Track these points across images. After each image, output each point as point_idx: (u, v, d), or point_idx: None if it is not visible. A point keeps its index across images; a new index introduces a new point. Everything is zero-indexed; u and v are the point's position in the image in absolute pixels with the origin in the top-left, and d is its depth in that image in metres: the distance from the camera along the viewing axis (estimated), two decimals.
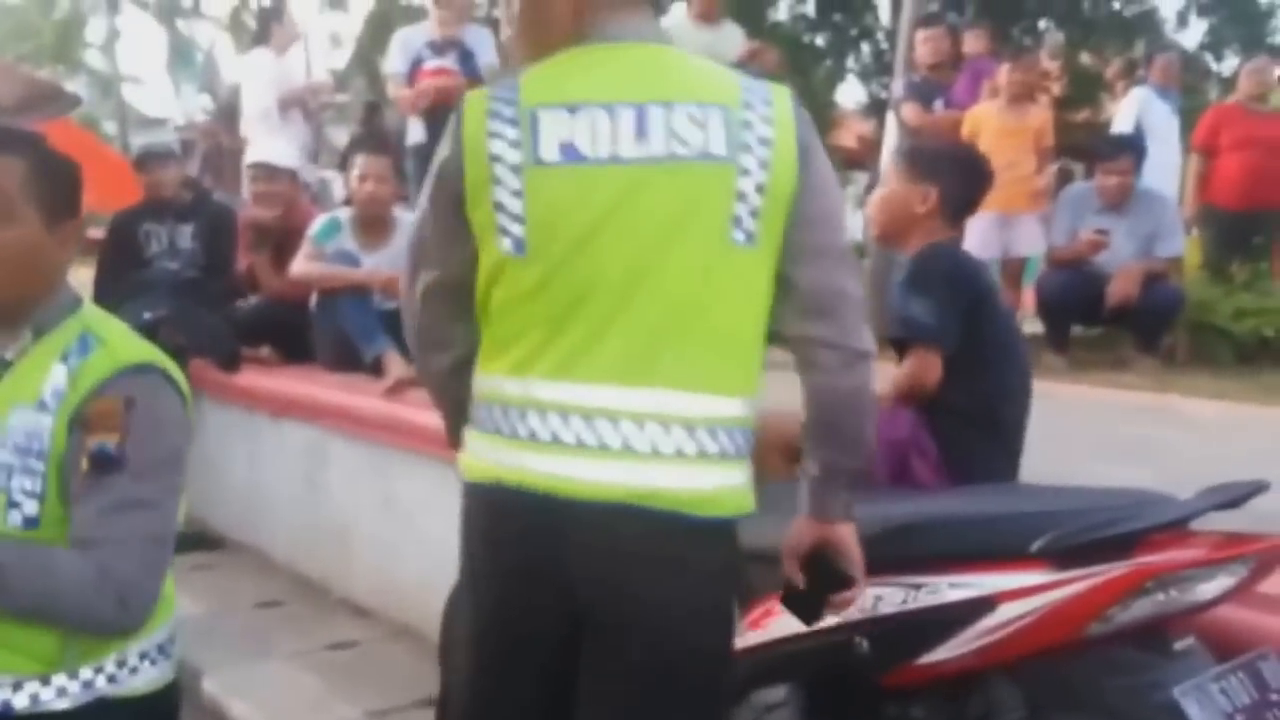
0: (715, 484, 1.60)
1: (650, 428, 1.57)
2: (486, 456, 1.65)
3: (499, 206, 1.59)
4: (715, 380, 1.60)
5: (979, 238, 5.89)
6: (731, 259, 1.60)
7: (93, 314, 1.71)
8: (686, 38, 5.91)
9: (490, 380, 1.66)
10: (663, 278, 1.58)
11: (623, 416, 1.57)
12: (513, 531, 1.63)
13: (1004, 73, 6.08)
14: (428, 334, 1.78)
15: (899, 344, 2.58)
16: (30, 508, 1.56)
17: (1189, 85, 12.60)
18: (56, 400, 1.58)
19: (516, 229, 1.59)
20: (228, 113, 7.80)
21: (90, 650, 1.62)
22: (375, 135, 6.92)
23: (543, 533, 1.59)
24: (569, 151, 1.59)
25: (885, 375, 2.69)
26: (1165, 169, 6.61)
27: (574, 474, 1.57)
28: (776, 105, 1.65)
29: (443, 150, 1.68)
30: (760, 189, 1.60)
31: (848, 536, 1.79)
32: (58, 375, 1.60)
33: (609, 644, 1.61)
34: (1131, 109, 7.09)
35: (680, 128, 1.60)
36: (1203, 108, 8.62)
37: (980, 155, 2.94)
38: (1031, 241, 5.87)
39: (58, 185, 1.66)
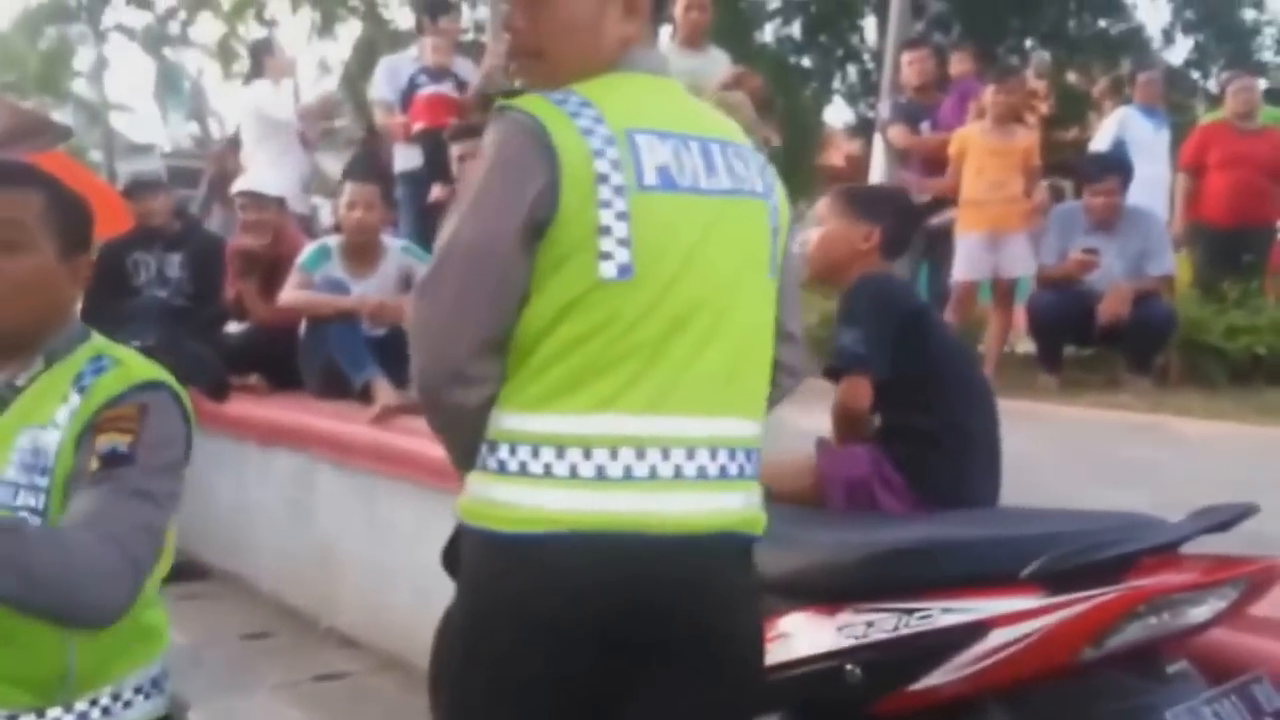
0: (758, 504, 1.65)
1: (721, 455, 1.58)
2: (549, 505, 1.52)
3: (604, 230, 1.51)
4: (759, 406, 1.67)
5: (968, 259, 5.91)
6: (769, 291, 1.69)
7: (103, 342, 1.75)
8: (670, 63, 5.91)
9: (558, 420, 1.53)
10: (737, 310, 1.61)
11: (701, 444, 1.56)
12: (575, 576, 1.52)
13: (989, 94, 6.10)
14: (465, 376, 1.58)
15: (833, 374, 2.64)
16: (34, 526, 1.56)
17: (1176, 102, 12.72)
18: (68, 417, 1.60)
19: (623, 253, 1.51)
20: (235, 138, 7.82)
21: (87, 680, 1.62)
22: (370, 161, 6.94)
23: (626, 574, 1.51)
24: (665, 177, 1.55)
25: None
26: (1153, 186, 6.63)
27: (663, 509, 1.52)
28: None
29: (517, 171, 1.54)
30: (778, 229, 1.70)
31: None
32: (72, 398, 1.62)
33: (687, 673, 1.57)
34: (1111, 128, 7.13)
35: (736, 165, 1.65)
36: (1190, 124, 8.68)
37: (912, 199, 3.12)
38: (1021, 262, 5.87)
39: (72, 220, 1.72)
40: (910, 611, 1.97)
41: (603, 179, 1.51)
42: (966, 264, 5.91)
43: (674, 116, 1.62)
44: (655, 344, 1.53)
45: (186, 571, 4.81)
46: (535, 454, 1.52)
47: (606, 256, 1.51)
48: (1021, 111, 6.52)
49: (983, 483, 2.50)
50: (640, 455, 1.51)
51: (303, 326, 4.72)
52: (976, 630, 1.89)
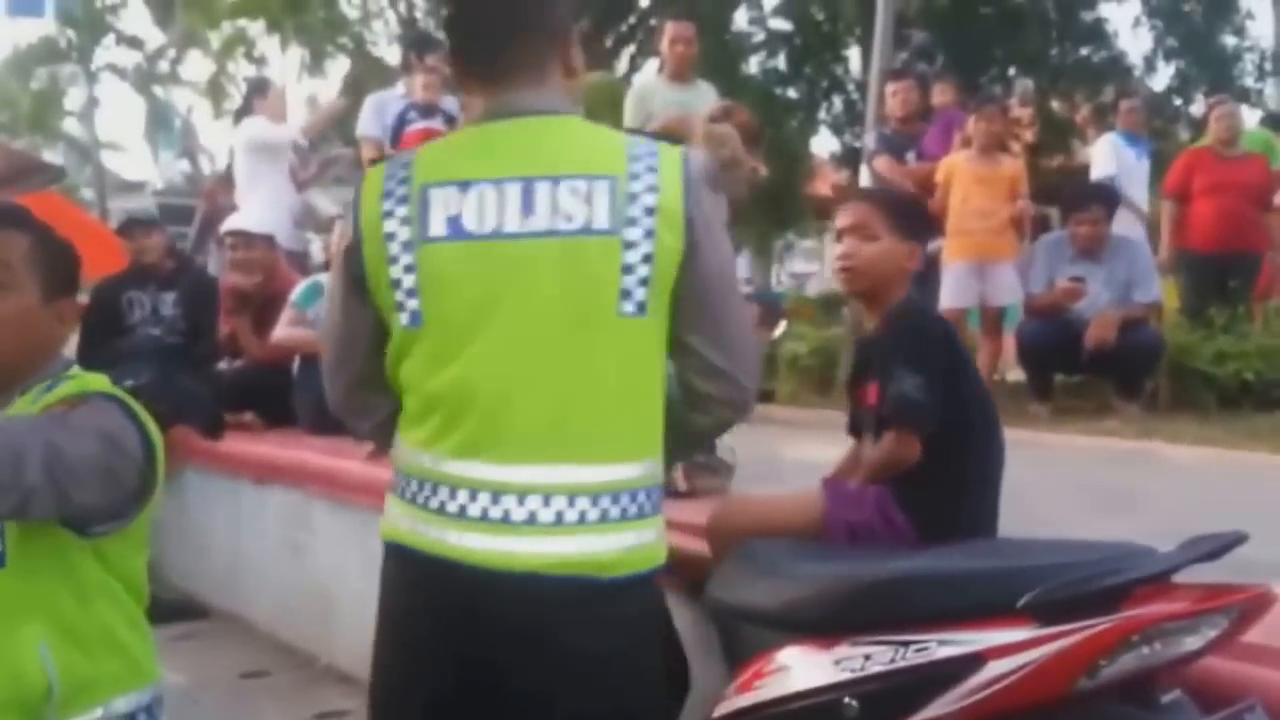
0: (624, 546, 1.65)
1: (556, 501, 1.62)
2: (402, 524, 1.70)
3: (396, 284, 1.65)
4: (614, 449, 1.65)
5: (955, 286, 5.95)
6: (622, 330, 1.64)
7: (82, 373, 1.81)
8: (659, 96, 5.98)
9: (407, 451, 1.72)
10: (557, 353, 1.62)
11: (530, 492, 1.62)
12: (424, 598, 1.68)
13: (971, 123, 6.17)
14: (349, 408, 1.89)
15: (886, 423, 2.45)
16: None
17: (1159, 129, 12.84)
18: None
19: (413, 303, 1.65)
20: (227, 174, 7.86)
21: (72, 701, 1.64)
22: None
23: (455, 601, 1.64)
24: (455, 227, 1.64)
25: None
26: (1133, 215, 6.70)
27: (485, 546, 1.62)
28: (663, 172, 1.66)
29: (344, 232, 1.76)
30: (648, 259, 1.63)
31: None
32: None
33: (534, 708, 1.66)
34: (1108, 154, 7.19)
35: (564, 202, 1.63)
36: (1174, 151, 8.76)
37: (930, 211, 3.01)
38: (1009, 290, 5.91)
39: (56, 263, 1.78)
40: (907, 644, 1.97)
41: (390, 237, 1.65)
42: (954, 292, 5.95)
43: (504, 161, 1.66)
44: (459, 391, 1.64)
45: (183, 611, 4.80)
46: (405, 480, 1.71)
47: (400, 307, 1.66)
48: (1006, 139, 6.58)
49: (986, 527, 2.47)
50: (453, 494, 1.65)
51: (296, 364, 4.74)
52: (972, 662, 1.89)
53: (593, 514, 1.63)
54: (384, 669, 1.77)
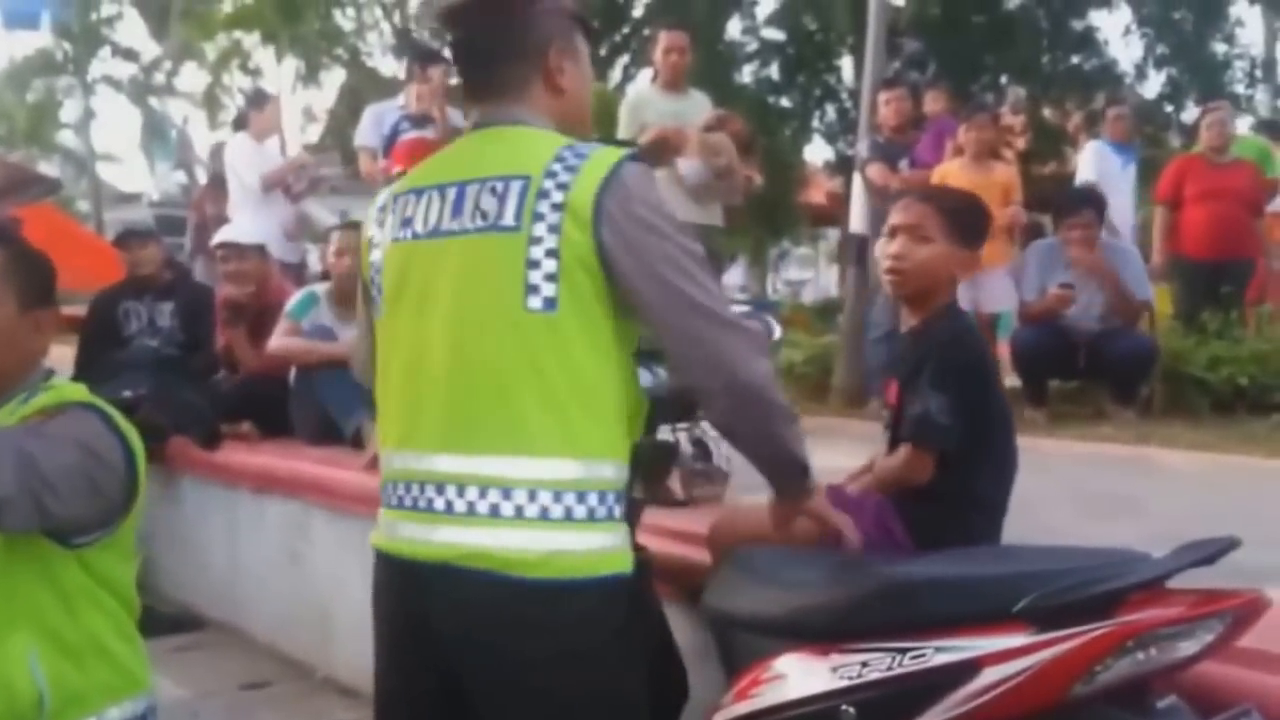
0: (545, 548, 1.64)
1: (469, 491, 1.67)
2: (378, 526, 1.84)
3: (372, 281, 1.85)
4: (532, 444, 1.65)
5: None
6: (533, 325, 1.65)
7: (62, 382, 1.84)
8: (652, 106, 6.00)
9: (381, 456, 1.85)
10: (470, 346, 1.68)
11: (449, 481, 1.68)
12: (384, 592, 1.80)
13: (962, 133, 6.19)
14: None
15: (908, 440, 2.41)
16: None
17: (1151, 136, 12.89)
18: None
19: (379, 299, 1.83)
20: (217, 182, 7.86)
21: (64, 711, 1.66)
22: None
23: (402, 592, 1.75)
24: (407, 228, 1.78)
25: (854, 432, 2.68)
26: (1119, 220, 6.73)
27: (417, 536, 1.71)
28: (584, 171, 1.67)
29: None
30: (552, 254, 1.65)
31: (816, 506, 2.09)
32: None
33: (490, 700, 1.70)
34: (1090, 161, 7.23)
35: (483, 202, 1.70)
36: (1166, 158, 8.79)
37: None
38: (1001, 296, 5.92)
39: (33, 275, 1.81)
40: (904, 651, 1.98)
41: (372, 241, 1.85)
42: None
43: (447, 168, 1.80)
44: (402, 383, 1.76)
45: (181, 623, 4.81)
46: (381, 483, 1.84)
47: (374, 303, 1.85)
48: (998, 147, 6.61)
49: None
50: (393, 487, 1.77)
51: (293, 374, 4.74)
52: (969, 669, 1.90)
53: (506, 508, 1.65)
54: (376, 673, 1.87)
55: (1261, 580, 1.95)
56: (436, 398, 1.70)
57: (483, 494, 1.65)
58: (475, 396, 1.67)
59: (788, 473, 1.95)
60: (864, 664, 2.01)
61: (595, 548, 1.68)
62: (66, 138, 22.54)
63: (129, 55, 21.72)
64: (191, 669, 4.31)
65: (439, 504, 1.69)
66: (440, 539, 1.68)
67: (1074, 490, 3.81)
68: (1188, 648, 1.82)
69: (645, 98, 6.18)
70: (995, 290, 5.89)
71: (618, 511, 1.71)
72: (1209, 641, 1.83)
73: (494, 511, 1.65)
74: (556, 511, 1.65)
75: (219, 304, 5.36)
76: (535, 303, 1.65)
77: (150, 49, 21.84)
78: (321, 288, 4.86)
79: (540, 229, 1.65)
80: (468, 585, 1.65)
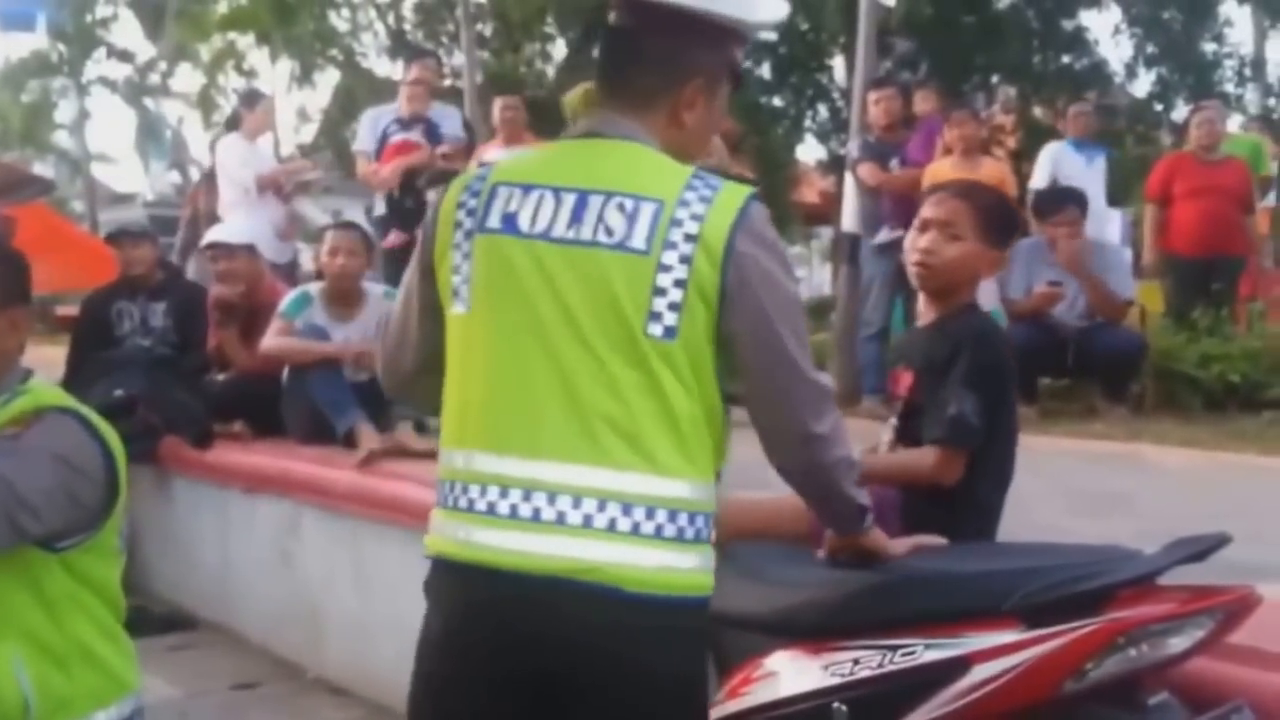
0: (654, 564, 1.62)
1: (586, 503, 1.61)
2: (439, 531, 1.71)
3: (455, 269, 1.73)
4: (657, 461, 1.63)
5: None
6: (652, 350, 1.63)
7: (39, 385, 1.80)
8: None
9: (444, 454, 1.73)
10: (586, 360, 1.64)
11: (561, 491, 1.62)
12: (461, 604, 1.68)
13: (946, 131, 6.20)
14: (405, 393, 2.01)
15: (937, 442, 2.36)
16: None
17: (1141, 134, 12.91)
18: None
19: (465, 290, 1.72)
20: (210, 176, 7.84)
21: (49, 715, 1.65)
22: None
23: (495, 605, 1.64)
24: (510, 223, 1.70)
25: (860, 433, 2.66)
26: (1090, 217, 6.73)
27: (513, 546, 1.62)
28: (716, 204, 1.66)
29: (426, 220, 1.82)
30: (680, 284, 1.63)
31: (870, 541, 2.04)
32: None
33: (587, 708, 1.64)
34: (1046, 164, 7.25)
35: (610, 217, 1.66)
36: (1156, 156, 8.82)
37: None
38: (985, 297, 5.89)
39: (7, 273, 1.78)
40: (895, 648, 1.98)
41: (458, 225, 1.73)
42: None
43: (561, 171, 1.73)
44: (495, 377, 1.68)
45: (173, 623, 4.81)
46: (441, 485, 1.72)
47: (456, 293, 1.73)
48: (988, 143, 6.61)
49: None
50: (483, 492, 1.65)
51: (286, 374, 4.73)
52: (959, 665, 1.90)
53: (623, 523, 1.61)
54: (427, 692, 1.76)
55: (1254, 576, 1.95)
56: (551, 403, 1.64)
57: (601, 507, 1.61)
58: (596, 408, 1.63)
59: (846, 516, 1.95)
60: (855, 661, 2.01)
61: (696, 567, 1.66)
62: (61, 138, 22.44)
63: (124, 56, 21.50)
64: (183, 669, 4.30)
65: (548, 513, 1.61)
66: (547, 550, 1.61)
67: (1066, 487, 3.81)
68: (1178, 644, 1.83)
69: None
70: (983, 292, 5.85)
71: (709, 535, 1.70)
72: (1199, 638, 1.83)
73: (611, 526, 1.61)
74: (670, 530, 1.63)
75: (210, 304, 5.33)
76: (656, 329, 1.63)
77: (145, 50, 21.73)
78: (315, 287, 4.84)
79: (671, 257, 1.63)
80: (583, 599, 1.60)
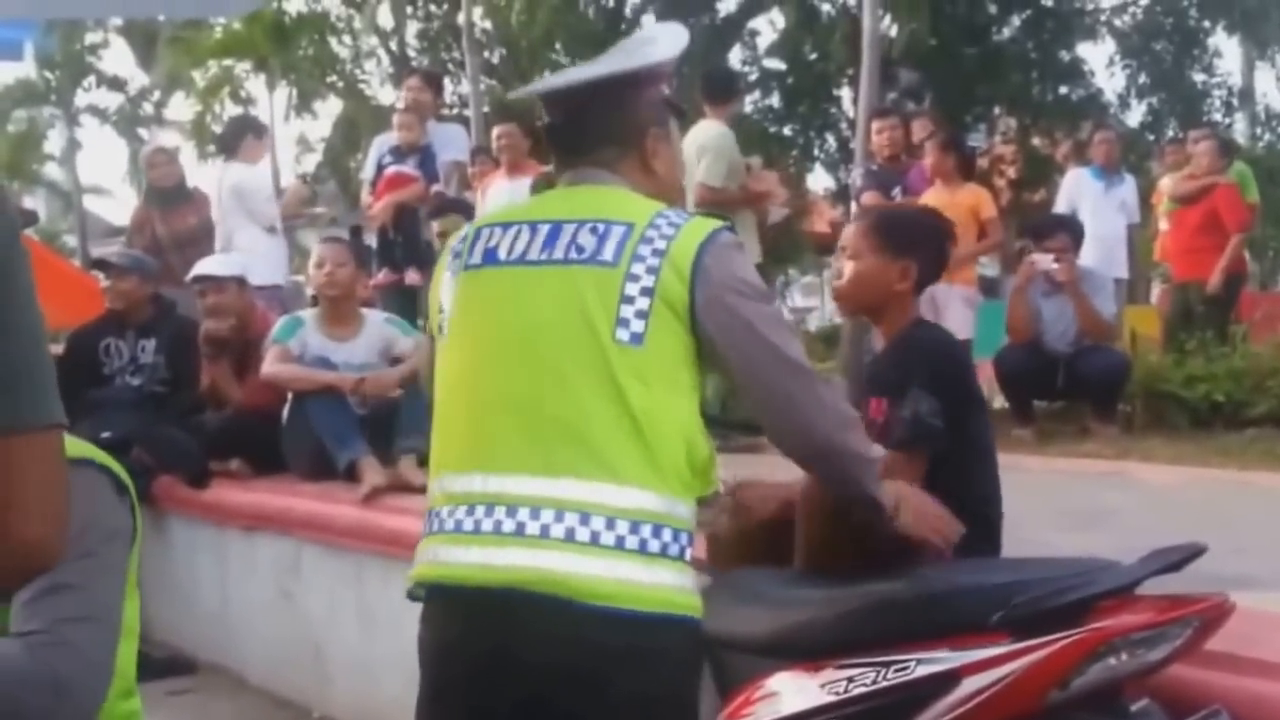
0: (615, 575, 1.62)
1: (544, 514, 1.64)
2: (418, 557, 1.78)
3: (442, 309, 1.85)
4: (619, 471, 1.65)
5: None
6: (619, 356, 1.68)
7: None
8: (729, 140, 6.08)
9: (430, 485, 1.82)
10: (553, 371, 1.70)
11: (521, 503, 1.65)
12: (438, 625, 1.74)
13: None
14: None
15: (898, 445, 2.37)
16: None
17: (1133, 163, 13.09)
18: None
19: (445, 323, 1.84)
20: (163, 198, 6.89)
21: None
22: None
23: (468, 621, 1.69)
24: (489, 256, 1.81)
25: None
26: (1099, 243, 6.83)
27: (474, 560, 1.67)
28: (685, 230, 1.73)
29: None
30: (646, 292, 1.69)
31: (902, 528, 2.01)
32: None
33: None
34: (1068, 189, 7.42)
35: (581, 238, 1.75)
36: (1149, 185, 8.97)
37: (944, 218, 2.76)
38: (959, 326, 5.82)
39: None
40: (888, 664, 2.02)
41: (448, 269, 1.87)
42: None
43: (546, 209, 1.87)
44: (469, 398, 1.76)
45: (173, 667, 4.70)
46: (425, 515, 1.80)
47: (440, 329, 1.86)
48: (970, 169, 6.68)
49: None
50: (451, 511, 1.71)
51: (286, 407, 4.65)
52: (949, 679, 1.94)
53: (582, 533, 1.62)
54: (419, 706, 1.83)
55: (1236, 587, 2.01)
56: (511, 419, 1.69)
57: (559, 517, 1.62)
58: (557, 420, 1.66)
59: (860, 474, 1.95)
60: (850, 680, 2.05)
61: (665, 584, 1.65)
62: (52, 170, 21.88)
63: (115, 84, 20.81)
64: (185, 713, 4.25)
65: (508, 525, 1.64)
66: (505, 561, 1.63)
67: (1057, 504, 3.86)
68: (1157, 652, 1.88)
69: (728, 137, 6.16)
70: (954, 319, 5.80)
71: (688, 554, 1.71)
72: (1178, 645, 1.88)
73: (569, 536, 1.61)
74: (631, 542, 1.63)
75: (200, 340, 5.09)
76: (623, 335, 1.68)
77: (138, 78, 21.14)
78: (306, 312, 4.75)
79: (639, 268, 1.70)
80: (538, 609, 1.61)
